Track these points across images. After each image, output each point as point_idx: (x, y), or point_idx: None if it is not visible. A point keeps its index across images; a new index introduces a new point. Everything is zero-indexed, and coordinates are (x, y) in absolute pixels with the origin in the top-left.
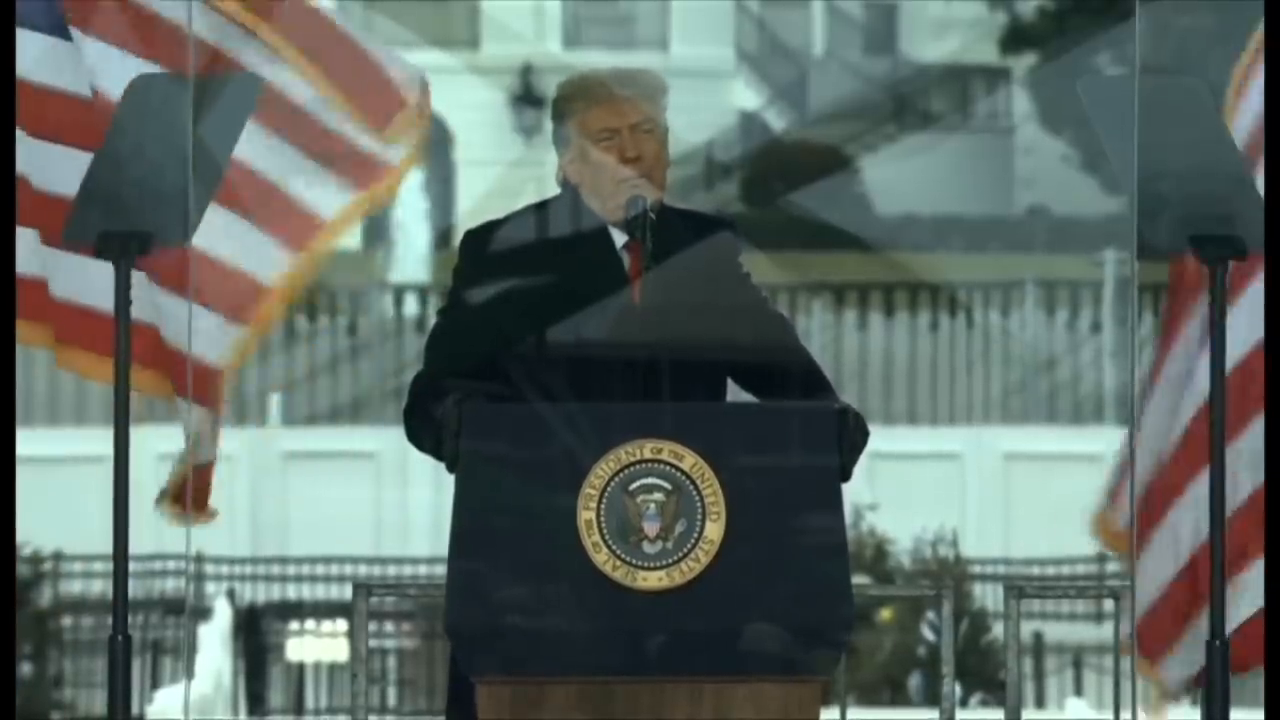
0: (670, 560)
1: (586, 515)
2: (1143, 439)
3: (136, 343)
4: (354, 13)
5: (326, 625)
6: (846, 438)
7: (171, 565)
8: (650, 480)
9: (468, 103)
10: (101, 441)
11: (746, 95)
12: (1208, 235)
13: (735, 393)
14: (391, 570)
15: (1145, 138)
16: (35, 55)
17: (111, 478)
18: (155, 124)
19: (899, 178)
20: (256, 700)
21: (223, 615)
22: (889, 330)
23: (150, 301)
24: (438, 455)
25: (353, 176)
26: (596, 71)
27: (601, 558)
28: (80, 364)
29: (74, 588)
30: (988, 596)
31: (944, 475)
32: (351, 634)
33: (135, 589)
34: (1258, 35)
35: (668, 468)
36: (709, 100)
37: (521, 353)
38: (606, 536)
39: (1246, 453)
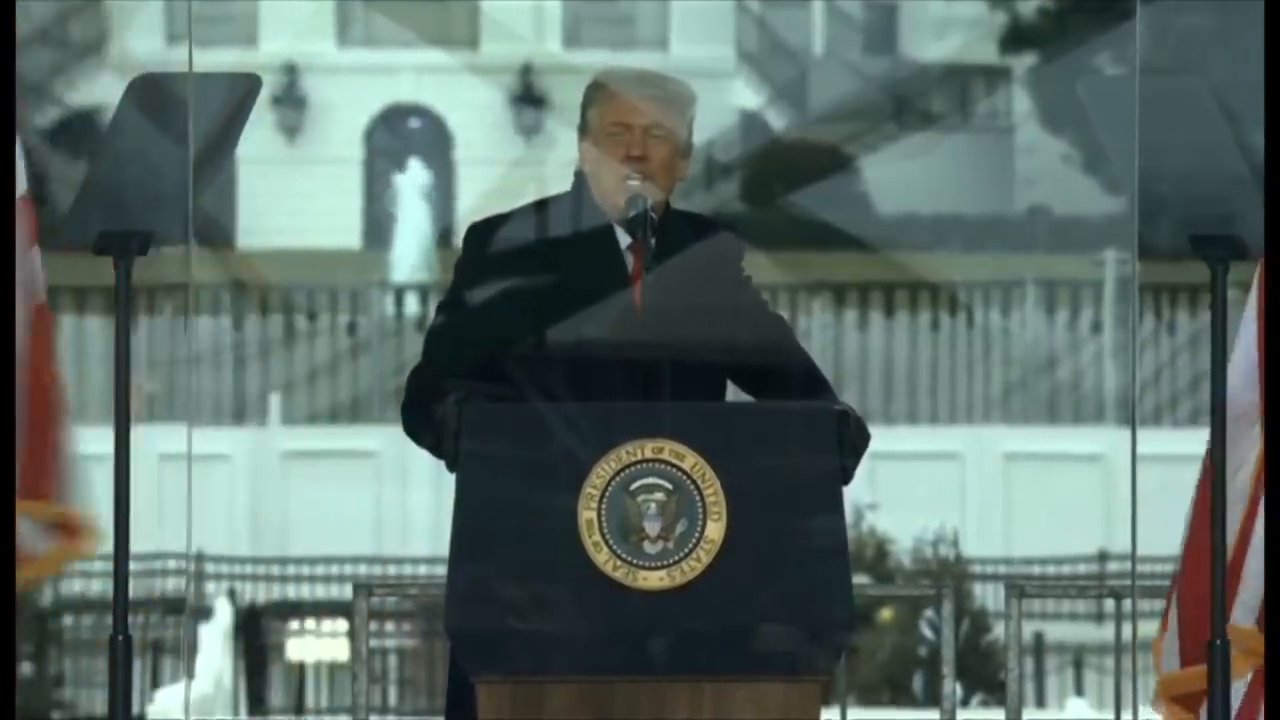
0: (671, 560)
1: (587, 515)
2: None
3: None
4: (354, 13)
5: (327, 625)
6: (847, 440)
7: (171, 565)
8: (651, 480)
9: (467, 102)
10: (101, 441)
11: (746, 95)
12: (1208, 235)
13: (735, 394)
14: (392, 570)
15: (1145, 138)
16: None
17: (111, 478)
18: (155, 124)
19: (899, 178)
20: (257, 700)
21: (223, 615)
22: (889, 330)
23: None
24: (437, 454)
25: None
26: (630, 68)
27: (602, 558)
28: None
29: (74, 588)
30: (988, 596)
31: (944, 475)
32: (352, 634)
33: (135, 589)
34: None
35: (669, 468)
36: (709, 100)
37: (522, 352)
38: (607, 536)
39: None
